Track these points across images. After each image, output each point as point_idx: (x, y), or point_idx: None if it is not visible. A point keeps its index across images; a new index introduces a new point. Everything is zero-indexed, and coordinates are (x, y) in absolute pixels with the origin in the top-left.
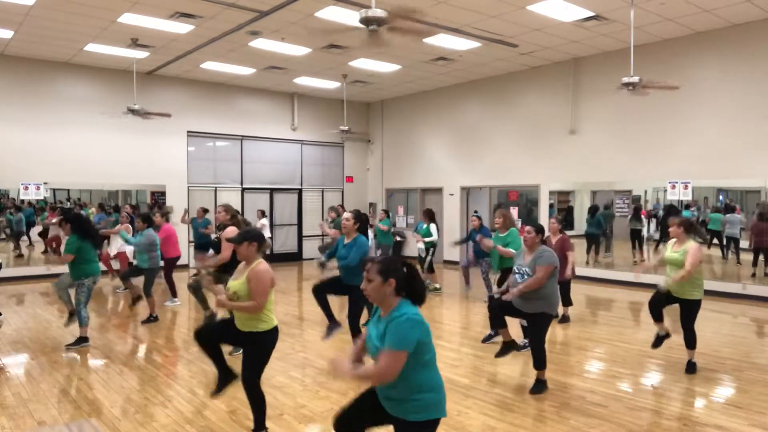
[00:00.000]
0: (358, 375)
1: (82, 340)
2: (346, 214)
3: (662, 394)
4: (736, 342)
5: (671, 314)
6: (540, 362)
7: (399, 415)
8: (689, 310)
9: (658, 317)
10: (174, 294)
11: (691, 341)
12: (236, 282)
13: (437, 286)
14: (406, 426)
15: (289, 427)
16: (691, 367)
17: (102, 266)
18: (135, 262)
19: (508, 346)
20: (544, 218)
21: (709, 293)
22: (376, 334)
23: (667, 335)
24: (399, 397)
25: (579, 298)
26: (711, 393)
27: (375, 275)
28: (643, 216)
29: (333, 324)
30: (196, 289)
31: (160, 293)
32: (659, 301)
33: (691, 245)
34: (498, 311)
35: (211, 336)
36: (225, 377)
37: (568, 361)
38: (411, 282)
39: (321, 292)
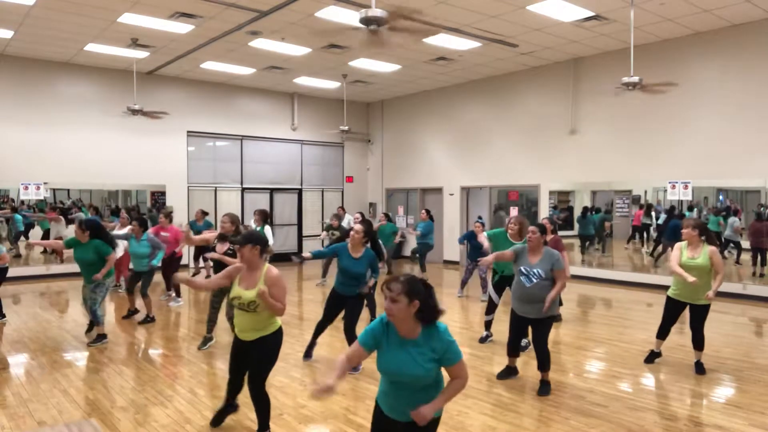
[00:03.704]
0: (448, 398)
1: (101, 337)
2: (356, 226)
3: (662, 394)
4: (736, 342)
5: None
6: (545, 364)
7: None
8: (701, 313)
9: (665, 335)
10: (178, 294)
11: (699, 343)
12: (251, 292)
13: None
14: (431, 423)
15: (289, 427)
16: (699, 368)
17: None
18: (132, 266)
19: (511, 371)
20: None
21: None
22: (412, 358)
23: (660, 355)
24: (427, 401)
25: (579, 298)
26: (711, 393)
27: (402, 297)
28: (652, 213)
29: (311, 349)
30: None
31: (159, 293)
32: (675, 317)
33: (712, 250)
34: (517, 337)
35: (240, 368)
36: (230, 409)
37: (568, 361)
38: (429, 302)
39: (324, 327)
